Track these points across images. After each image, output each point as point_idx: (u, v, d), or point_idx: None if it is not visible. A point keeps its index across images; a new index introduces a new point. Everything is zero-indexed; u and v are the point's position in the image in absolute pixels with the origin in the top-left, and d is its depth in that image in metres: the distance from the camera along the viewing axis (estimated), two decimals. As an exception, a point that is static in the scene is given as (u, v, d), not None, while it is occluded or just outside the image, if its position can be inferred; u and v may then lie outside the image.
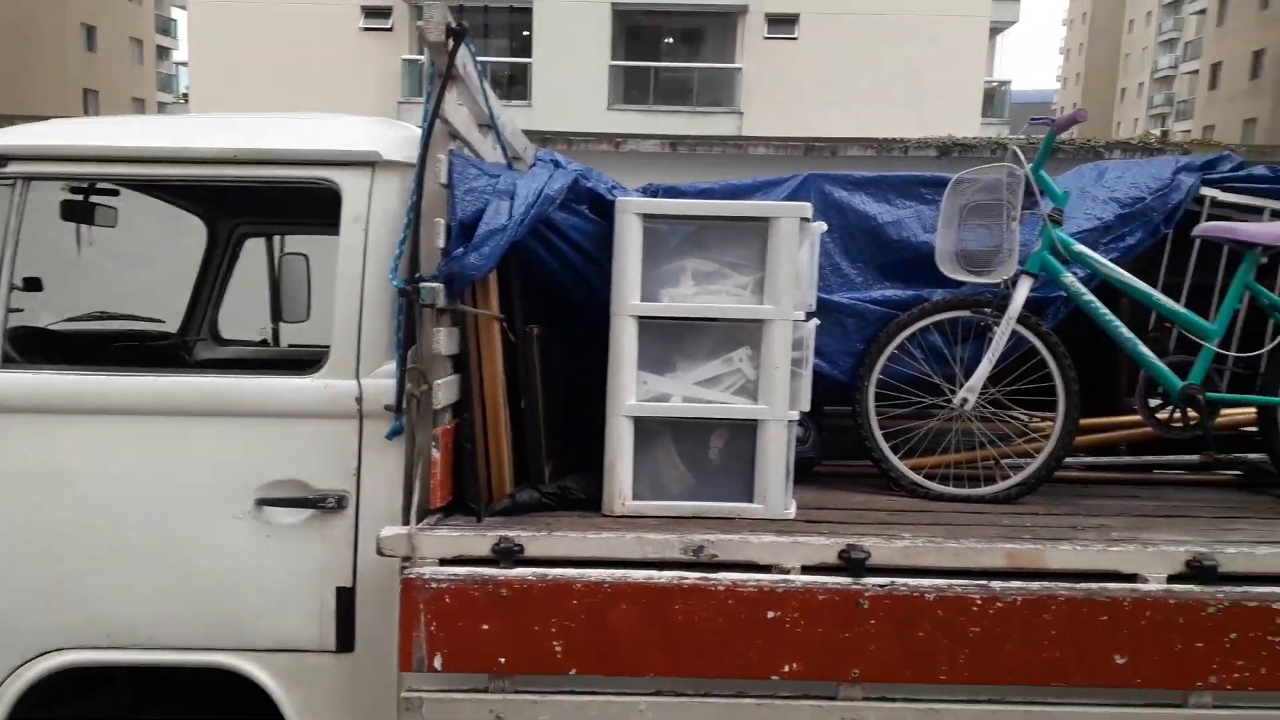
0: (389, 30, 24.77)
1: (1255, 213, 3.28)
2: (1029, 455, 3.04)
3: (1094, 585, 2.32)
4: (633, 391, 2.61)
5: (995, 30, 28.08)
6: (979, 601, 2.30)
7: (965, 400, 2.95)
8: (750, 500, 2.66)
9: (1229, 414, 3.13)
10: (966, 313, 3.02)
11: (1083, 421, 3.29)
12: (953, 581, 2.32)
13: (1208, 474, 3.41)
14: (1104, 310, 2.95)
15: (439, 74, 2.47)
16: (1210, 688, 2.32)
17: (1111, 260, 3.13)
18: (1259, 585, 2.33)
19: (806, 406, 2.69)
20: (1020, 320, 2.95)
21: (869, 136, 5.43)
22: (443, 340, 2.48)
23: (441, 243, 2.51)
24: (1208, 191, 3.27)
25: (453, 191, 2.54)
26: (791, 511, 2.68)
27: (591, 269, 2.77)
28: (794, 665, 2.32)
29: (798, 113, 21.70)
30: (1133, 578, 2.39)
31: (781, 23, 24.32)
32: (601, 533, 2.40)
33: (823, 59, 23.33)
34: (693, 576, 2.31)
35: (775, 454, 2.63)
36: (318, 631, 2.58)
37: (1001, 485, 2.96)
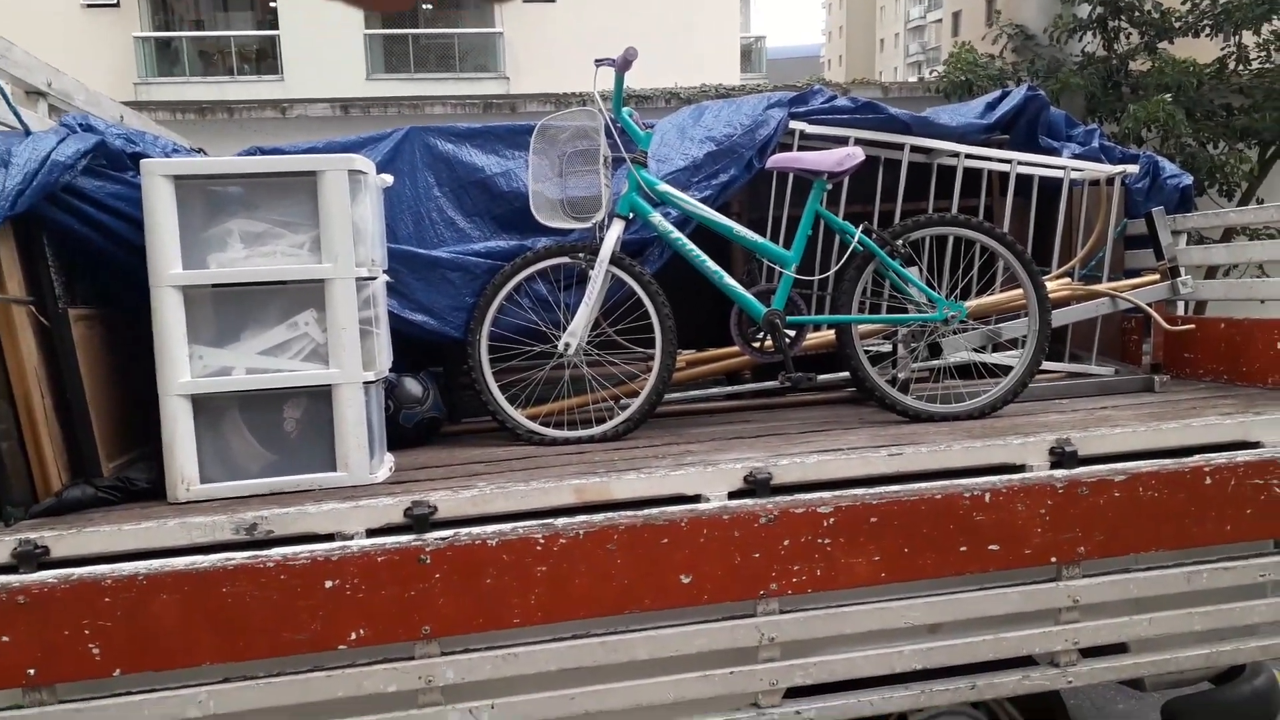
0: (115, 6, 22.80)
1: (841, 142, 3.46)
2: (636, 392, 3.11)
3: (654, 510, 2.38)
4: (185, 368, 2.45)
5: (747, -14, 28.94)
6: (542, 540, 2.31)
7: (568, 345, 2.97)
8: (334, 469, 2.57)
9: (817, 337, 3.31)
10: (565, 259, 3.03)
11: (703, 354, 3.40)
12: (516, 525, 2.33)
13: (839, 392, 3.61)
14: (690, 246, 3.03)
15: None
16: (774, 594, 2.44)
17: (708, 197, 3.23)
18: (808, 493, 2.46)
19: (386, 367, 2.62)
20: (615, 263, 2.99)
21: (563, 92, 5.39)
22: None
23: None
24: (797, 125, 3.43)
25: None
26: (381, 475, 2.61)
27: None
28: (361, 631, 2.25)
29: (562, 74, 21.64)
30: (697, 498, 2.47)
31: (539, -15, 24.13)
32: (141, 523, 2.25)
33: (582, 21, 23.33)
34: (239, 556, 2.20)
35: (353, 418, 2.55)
36: None
37: (610, 424, 3.00)
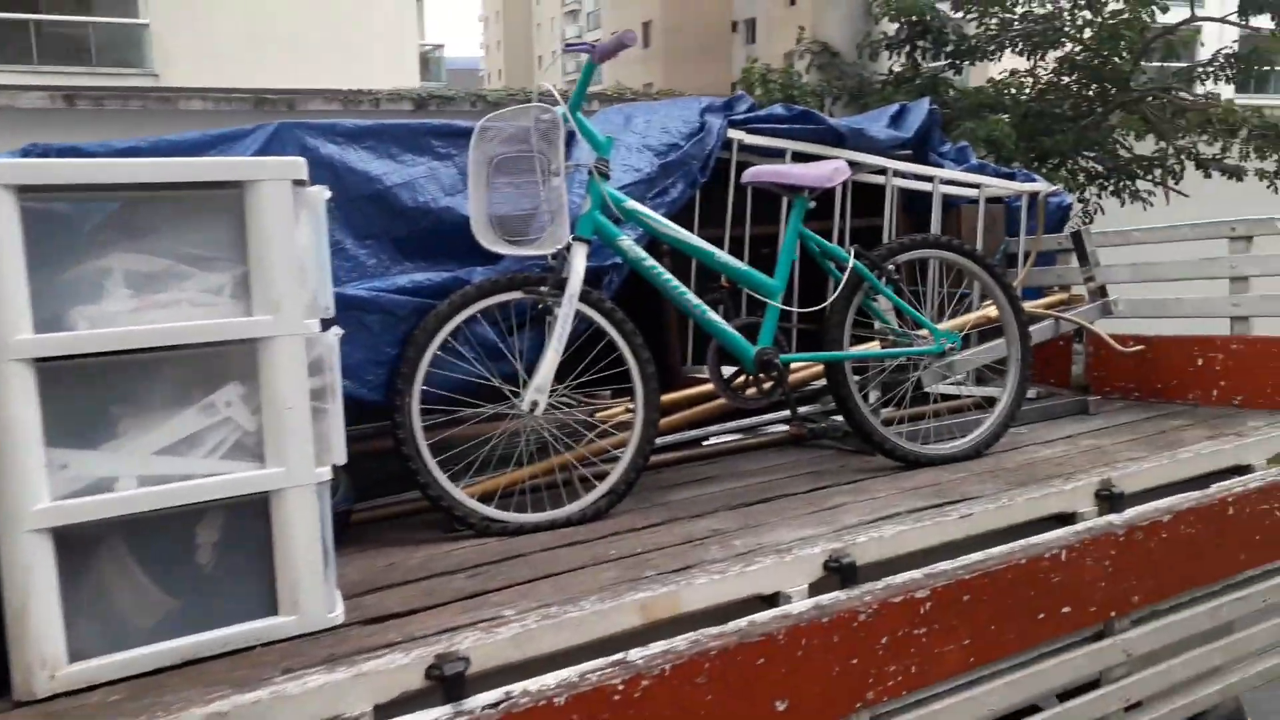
0: None
1: (778, 154, 3.10)
2: (607, 452, 2.53)
3: (742, 622, 1.86)
4: (43, 486, 1.55)
5: (418, -8, 28.01)
6: (620, 687, 1.70)
7: (535, 403, 2.33)
8: (274, 613, 1.75)
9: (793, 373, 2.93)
10: (519, 294, 2.39)
11: (673, 396, 2.89)
12: (585, 669, 1.69)
13: (754, 436, 3.21)
14: (669, 277, 2.51)
15: None
16: (869, 704, 1.99)
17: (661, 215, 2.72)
18: (897, 573, 2.05)
19: (341, 457, 1.85)
20: (582, 297, 2.40)
21: (333, 88, 4.53)
22: None
23: None
24: (735, 134, 3.01)
25: None
26: (339, 613, 1.83)
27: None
28: None
29: (223, 75, 19.51)
30: (774, 598, 1.98)
31: (196, -25, 21.69)
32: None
33: (246, 16, 21.27)
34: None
35: (304, 536, 1.76)
36: None
37: (588, 500, 2.40)
